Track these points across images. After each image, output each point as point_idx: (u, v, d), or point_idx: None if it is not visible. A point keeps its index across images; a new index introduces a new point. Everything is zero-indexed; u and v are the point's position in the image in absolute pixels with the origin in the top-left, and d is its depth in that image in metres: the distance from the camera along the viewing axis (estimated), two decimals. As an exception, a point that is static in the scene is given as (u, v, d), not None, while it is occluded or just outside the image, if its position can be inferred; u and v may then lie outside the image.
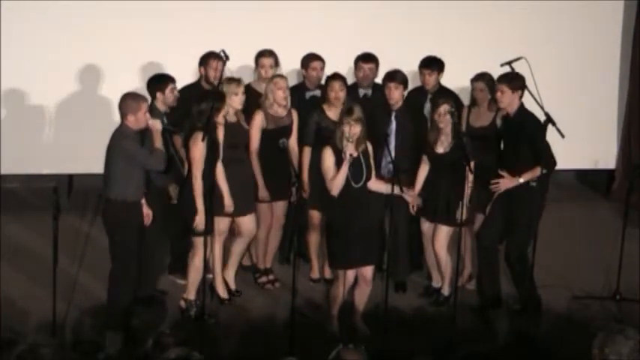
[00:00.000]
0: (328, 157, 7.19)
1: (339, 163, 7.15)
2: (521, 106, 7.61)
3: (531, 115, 7.59)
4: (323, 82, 8.38)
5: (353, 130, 7.12)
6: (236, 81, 7.73)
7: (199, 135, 7.23)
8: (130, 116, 7.04)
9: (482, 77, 8.05)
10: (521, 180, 7.57)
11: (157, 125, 7.17)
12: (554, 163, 7.70)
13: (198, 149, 7.26)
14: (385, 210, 7.95)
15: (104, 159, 7.14)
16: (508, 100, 7.57)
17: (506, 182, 7.63)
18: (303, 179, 7.93)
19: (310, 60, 8.42)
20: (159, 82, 7.70)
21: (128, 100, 7.09)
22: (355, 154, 7.15)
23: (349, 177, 7.16)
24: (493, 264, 7.84)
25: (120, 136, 7.05)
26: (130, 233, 7.13)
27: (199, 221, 7.33)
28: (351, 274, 7.32)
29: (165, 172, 7.45)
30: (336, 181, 7.15)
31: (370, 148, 7.33)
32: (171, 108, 7.73)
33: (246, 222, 7.79)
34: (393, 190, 7.25)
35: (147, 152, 7.11)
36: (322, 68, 8.42)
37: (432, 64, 8.35)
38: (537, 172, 7.53)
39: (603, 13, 10.35)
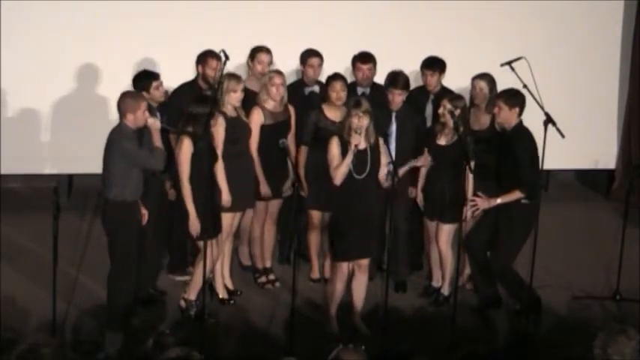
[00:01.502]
0: (334, 146, 7.21)
1: (344, 153, 7.16)
2: (519, 124, 7.57)
3: (525, 136, 7.54)
4: (321, 79, 8.40)
5: (361, 122, 7.13)
6: (236, 78, 7.72)
7: (186, 140, 7.22)
8: (130, 115, 7.03)
9: (484, 77, 8.04)
10: (499, 200, 7.56)
11: (156, 124, 7.17)
12: (535, 191, 7.61)
13: (184, 153, 7.24)
14: (385, 209, 7.97)
15: (102, 158, 7.14)
16: (504, 116, 7.57)
17: (482, 202, 7.61)
18: (299, 178, 7.94)
19: (308, 56, 8.42)
20: (142, 81, 7.68)
21: (127, 99, 7.08)
22: (361, 146, 7.15)
23: (351, 168, 7.17)
24: (483, 266, 7.84)
25: (119, 136, 7.04)
26: (129, 233, 7.12)
27: (194, 225, 7.31)
28: (346, 267, 7.32)
29: (165, 171, 7.46)
30: (339, 170, 7.16)
31: (383, 144, 7.33)
32: (163, 103, 7.72)
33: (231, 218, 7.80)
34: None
35: (147, 152, 7.10)
36: (320, 65, 8.42)
37: (434, 64, 8.35)
38: (515, 195, 7.50)
39: (603, 13, 10.35)
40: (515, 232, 7.60)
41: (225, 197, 7.57)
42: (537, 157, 7.49)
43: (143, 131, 7.16)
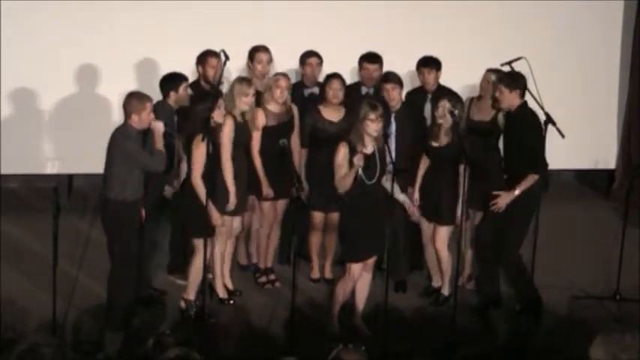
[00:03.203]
0: (342, 153, 7.16)
1: (352, 159, 7.13)
2: (523, 105, 7.58)
3: (531, 115, 7.56)
4: (321, 79, 8.40)
5: (377, 126, 7.10)
6: (247, 81, 7.71)
7: (200, 137, 7.23)
8: (134, 116, 7.04)
9: (497, 71, 8.01)
10: (517, 192, 7.54)
11: (159, 127, 7.17)
12: (545, 165, 7.64)
13: (200, 152, 7.24)
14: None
15: (105, 158, 7.14)
16: (506, 100, 7.56)
17: (504, 198, 7.60)
18: (299, 178, 7.94)
19: (306, 56, 8.45)
20: (173, 81, 7.72)
21: (133, 100, 7.08)
22: (369, 150, 7.14)
23: (362, 175, 7.14)
24: (490, 264, 7.83)
25: (122, 136, 7.05)
26: (129, 233, 7.13)
27: (217, 219, 7.36)
28: (357, 268, 7.33)
29: (166, 173, 7.46)
30: (344, 182, 7.14)
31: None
32: (181, 107, 7.74)
33: (237, 221, 7.80)
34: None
35: (148, 154, 7.10)
36: (318, 64, 8.43)
37: (430, 62, 8.35)
38: (532, 179, 7.51)
39: (603, 13, 10.35)
40: (521, 215, 7.56)
41: (233, 200, 7.57)
42: (543, 134, 7.48)
43: (147, 132, 7.16)
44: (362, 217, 7.21)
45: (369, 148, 7.13)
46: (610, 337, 4.59)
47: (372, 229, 7.24)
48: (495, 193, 7.61)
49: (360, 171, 7.13)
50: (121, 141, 7.02)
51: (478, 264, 8.00)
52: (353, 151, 7.13)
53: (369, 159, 7.15)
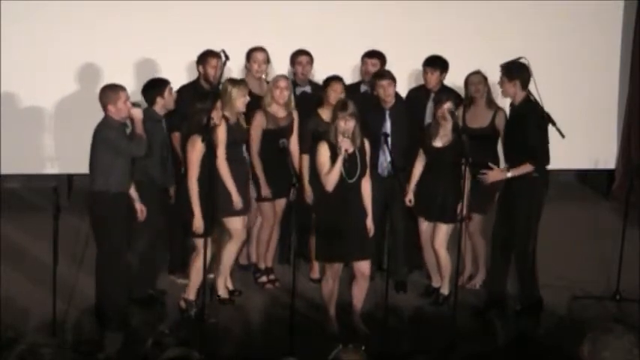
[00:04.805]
0: (323, 152, 7.17)
1: (334, 158, 7.13)
2: (526, 98, 7.54)
3: (534, 109, 7.50)
4: (312, 78, 8.47)
5: (347, 125, 7.09)
6: (243, 83, 7.74)
7: (197, 138, 7.22)
8: (110, 107, 7.10)
9: (478, 73, 8.04)
10: (509, 174, 7.52)
11: (137, 113, 7.18)
12: (547, 160, 7.60)
13: (196, 152, 7.24)
14: (386, 210, 7.98)
15: (89, 152, 7.20)
16: (507, 90, 7.54)
17: (493, 174, 7.61)
18: (304, 185, 7.92)
19: (296, 55, 8.47)
20: (156, 87, 7.66)
21: (107, 92, 7.16)
22: (351, 150, 7.14)
23: (343, 172, 7.15)
24: (504, 264, 7.81)
25: (103, 127, 7.12)
26: (114, 225, 7.14)
27: (197, 225, 7.31)
28: (337, 267, 7.31)
29: (146, 157, 7.42)
30: (331, 177, 7.13)
31: (367, 144, 7.30)
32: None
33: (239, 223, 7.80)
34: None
35: (126, 139, 7.13)
36: (308, 63, 8.46)
37: (435, 63, 8.34)
38: (527, 168, 7.47)
39: (603, 13, 10.36)
40: (526, 207, 7.52)
41: (236, 198, 7.56)
42: (546, 130, 7.47)
43: (131, 123, 7.20)
44: (338, 216, 7.18)
45: (346, 145, 7.11)
46: (595, 335, 4.59)
47: (351, 231, 7.18)
48: (491, 165, 7.61)
49: (342, 170, 7.12)
50: (101, 131, 7.07)
51: (493, 262, 7.95)
52: (333, 150, 7.12)
53: (348, 158, 7.13)
